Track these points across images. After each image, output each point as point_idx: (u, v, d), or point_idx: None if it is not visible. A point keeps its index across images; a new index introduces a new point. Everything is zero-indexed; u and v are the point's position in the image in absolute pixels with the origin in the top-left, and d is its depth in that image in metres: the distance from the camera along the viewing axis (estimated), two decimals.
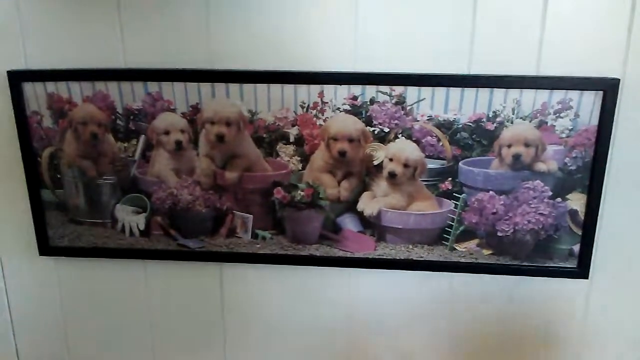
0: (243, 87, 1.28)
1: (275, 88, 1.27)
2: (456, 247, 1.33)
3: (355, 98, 1.26)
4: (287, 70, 1.26)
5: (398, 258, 1.35)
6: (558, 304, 1.41)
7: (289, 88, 1.27)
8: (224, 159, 1.33)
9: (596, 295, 1.39)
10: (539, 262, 1.33)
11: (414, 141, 1.27)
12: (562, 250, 1.32)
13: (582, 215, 1.29)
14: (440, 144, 1.26)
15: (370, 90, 1.25)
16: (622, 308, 1.41)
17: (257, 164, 1.32)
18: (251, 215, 1.36)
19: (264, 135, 1.30)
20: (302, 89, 1.27)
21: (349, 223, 1.34)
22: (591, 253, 1.33)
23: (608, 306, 1.41)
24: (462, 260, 1.34)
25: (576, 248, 1.31)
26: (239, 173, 1.33)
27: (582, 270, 1.34)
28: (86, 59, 1.33)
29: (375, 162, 1.29)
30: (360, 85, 1.25)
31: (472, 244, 1.34)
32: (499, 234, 1.30)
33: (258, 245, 1.39)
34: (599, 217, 1.30)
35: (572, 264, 1.33)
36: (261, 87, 1.27)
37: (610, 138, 1.24)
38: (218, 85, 1.28)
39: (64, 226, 1.45)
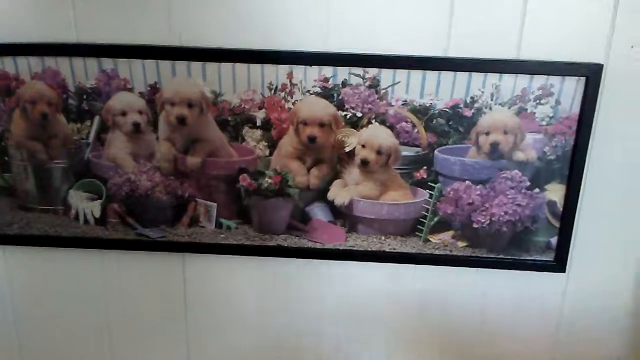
0: (206, 66, 1.21)
1: (241, 68, 1.21)
2: (430, 239, 1.30)
3: (326, 80, 1.21)
4: (253, 48, 1.19)
5: (370, 250, 1.31)
6: (534, 298, 1.39)
7: (255, 68, 1.21)
8: (185, 143, 1.27)
9: (573, 289, 1.38)
10: (516, 255, 1.31)
11: (388, 127, 1.22)
12: (539, 242, 1.29)
13: (560, 207, 1.26)
14: (416, 130, 1.22)
15: (343, 72, 1.20)
16: (600, 303, 1.39)
17: (221, 148, 1.26)
18: (215, 204, 1.31)
19: (229, 119, 1.24)
20: (270, 69, 1.20)
21: (318, 213, 1.30)
22: (569, 246, 1.31)
23: (585, 301, 1.39)
24: (437, 252, 1.31)
25: (554, 241, 1.29)
26: (202, 158, 1.27)
27: (559, 264, 1.32)
28: (35, 33, 1.24)
29: (347, 149, 1.25)
30: (331, 67, 1.19)
31: (447, 236, 1.31)
32: (475, 225, 1.27)
33: (222, 235, 1.33)
34: (577, 210, 1.28)
35: (549, 257, 1.31)
36: (226, 67, 1.21)
37: (591, 127, 1.21)
38: (179, 64, 1.21)
39: (12, 213, 1.37)
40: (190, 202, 1.31)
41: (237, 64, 1.21)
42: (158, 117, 1.25)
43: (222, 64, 1.21)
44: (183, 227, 1.34)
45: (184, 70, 1.22)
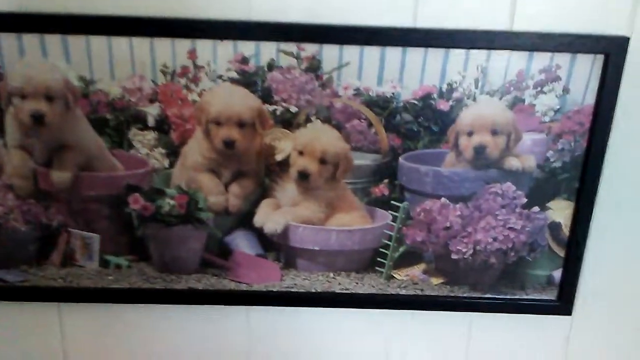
0: (68, 40, 0.94)
1: (120, 43, 0.95)
2: (395, 275, 1.12)
3: (245, 61, 0.97)
4: (138, 15, 0.94)
5: (314, 291, 1.12)
6: (531, 349, 1.23)
7: (142, 43, 0.95)
8: (47, 151, 1.02)
9: (580, 336, 1.21)
10: (507, 294, 1.13)
11: (335, 126, 1.02)
12: (539, 277, 1.13)
13: (566, 231, 1.09)
14: (373, 130, 1.02)
15: (269, 50, 0.97)
16: (613, 354, 1.23)
17: (99, 158, 1.03)
18: (96, 235, 1.07)
19: (108, 116, 1.00)
20: (163, 45, 0.96)
21: (243, 244, 1.10)
22: (577, 282, 1.13)
23: (594, 351, 1.23)
24: (403, 292, 1.12)
25: (557, 274, 1.12)
26: (72, 172, 1.03)
27: (563, 305, 1.14)
28: None
29: (279, 157, 1.05)
30: (252, 42, 0.96)
31: (416, 271, 1.12)
32: (454, 256, 1.08)
33: (110, 277, 1.10)
34: (589, 234, 1.09)
35: (551, 295, 1.14)
36: (97, 42, 0.95)
37: (610, 124, 1.00)
38: (28, 38, 0.94)
39: None
40: (61, 233, 1.07)
41: (115, 37, 0.95)
42: (4, 116, 0.99)
43: (92, 37, 0.95)
44: (54, 268, 1.09)
45: (36, 46, 0.95)
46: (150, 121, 1.00)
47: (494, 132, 1.01)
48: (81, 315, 1.17)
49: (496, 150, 1.02)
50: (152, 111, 1.00)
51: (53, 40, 0.94)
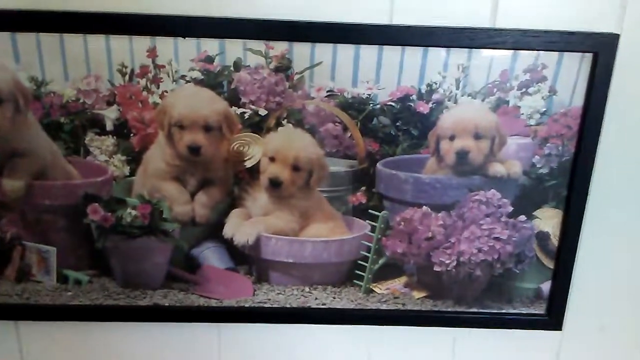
0: (17, 38, 0.89)
1: (74, 40, 0.91)
2: (375, 289, 1.09)
3: (209, 60, 0.93)
4: (92, 10, 0.88)
5: (289, 306, 1.08)
6: None
7: (96, 41, 0.91)
8: None
9: (571, 353, 1.18)
10: (493, 308, 1.10)
11: (307, 130, 0.99)
12: (526, 290, 1.10)
13: (555, 241, 1.06)
14: (348, 134, 0.98)
15: (235, 48, 0.93)
16: None
17: (53, 166, 0.98)
18: (53, 248, 1.02)
19: (62, 120, 0.95)
20: (120, 42, 0.91)
21: (212, 257, 1.06)
22: (566, 295, 1.10)
23: None
24: (384, 307, 1.09)
25: (545, 287, 1.09)
26: (25, 181, 0.98)
27: (553, 319, 1.11)
28: None
29: (248, 164, 1.01)
30: (217, 39, 0.92)
31: (397, 284, 1.09)
32: (437, 268, 1.05)
33: (70, 294, 1.05)
34: (579, 243, 1.06)
35: (539, 309, 1.11)
36: (49, 39, 0.90)
37: (600, 126, 0.97)
38: None
39: None
40: (15, 246, 1.03)
41: (68, 35, 0.90)
42: None
43: (43, 35, 0.90)
44: (9, 283, 1.05)
45: None
46: (109, 125, 0.96)
47: (477, 136, 0.98)
48: (40, 334, 1.12)
49: (479, 156, 0.99)
50: (110, 114, 0.96)
51: (0, 38, 0.89)
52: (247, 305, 1.07)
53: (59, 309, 1.06)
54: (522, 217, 1.02)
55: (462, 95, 0.95)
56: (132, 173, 0.99)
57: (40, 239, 1.02)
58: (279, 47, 0.92)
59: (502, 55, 0.93)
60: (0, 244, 1.01)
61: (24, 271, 1.03)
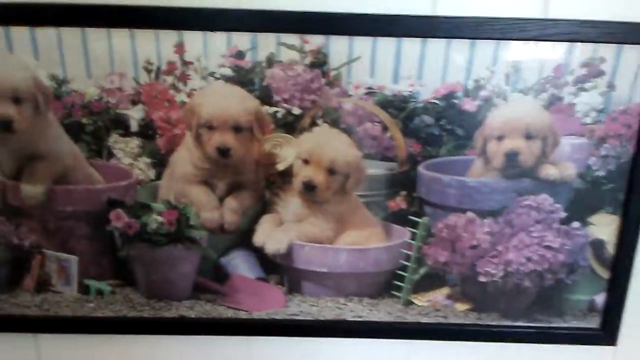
0: (37, 33, 0.88)
1: (97, 36, 0.89)
2: (415, 301, 1.07)
3: (240, 55, 0.91)
4: (116, 3, 0.87)
5: (322, 319, 1.06)
6: None
7: (121, 36, 0.89)
8: (15, 162, 0.96)
9: None
10: (542, 322, 1.07)
11: (344, 131, 0.97)
12: (579, 302, 1.07)
13: (610, 249, 1.03)
14: (388, 135, 0.97)
15: (268, 42, 0.91)
16: None
17: (75, 169, 0.97)
18: (74, 257, 1.01)
19: (85, 121, 0.95)
20: (146, 37, 0.89)
21: (241, 265, 1.05)
22: (622, 307, 1.06)
23: None
24: (424, 320, 1.07)
25: (600, 299, 1.06)
26: (46, 186, 0.97)
27: (607, 334, 1.08)
28: None
29: (281, 166, 1.00)
30: (248, 33, 0.90)
31: (439, 296, 1.07)
32: (482, 278, 1.03)
33: (91, 305, 1.04)
34: (636, 252, 1.02)
35: (592, 323, 1.07)
36: (70, 34, 0.88)
37: None
38: None
39: None
40: (34, 255, 1.02)
41: (90, 29, 0.88)
42: None
43: (65, 29, 0.88)
44: (28, 294, 1.04)
45: (0, 40, 0.89)
46: (133, 126, 0.96)
47: (528, 136, 0.95)
48: (60, 348, 1.11)
49: (530, 157, 0.96)
50: (134, 114, 0.95)
51: (20, 33, 0.88)
52: (278, 317, 1.05)
53: (80, 320, 1.05)
54: (576, 224, 1.00)
55: (512, 92, 0.93)
56: (158, 177, 0.98)
57: (61, 247, 1.02)
58: (315, 41, 0.90)
59: (556, 48, 0.90)
60: (19, 252, 1.00)
61: (43, 281, 1.03)
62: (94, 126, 0.95)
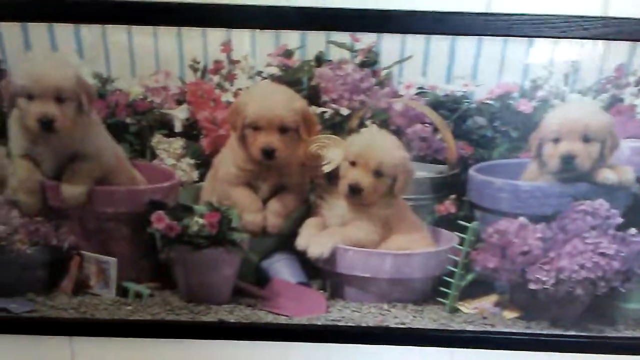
0: (81, 30, 0.88)
1: (143, 34, 0.89)
2: (461, 308, 1.04)
3: (288, 54, 0.91)
4: (162, 0, 0.87)
5: (365, 325, 1.04)
6: None
7: (167, 34, 0.89)
8: (57, 161, 0.96)
9: None
10: (594, 331, 1.04)
11: (393, 132, 0.96)
12: (633, 311, 1.03)
13: None
14: (439, 136, 0.96)
15: (317, 40, 0.91)
16: None
17: (117, 170, 0.98)
18: (114, 259, 1.01)
19: (128, 120, 0.95)
20: (193, 35, 0.89)
21: (283, 270, 1.04)
22: None
23: None
24: (470, 328, 1.04)
25: None
26: (87, 186, 0.97)
27: None
28: None
29: (327, 168, 0.99)
30: (297, 31, 0.90)
31: (486, 303, 1.04)
32: (532, 286, 0.99)
33: (129, 308, 1.03)
34: None
35: None
36: (116, 32, 0.89)
37: None
38: (34, 28, 0.88)
39: None
40: (73, 256, 1.01)
41: (136, 26, 0.88)
42: (7, 120, 0.94)
43: (110, 26, 0.88)
44: (65, 296, 1.03)
45: (44, 38, 0.89)
46: (177, 126, 0.95)
47: (586, 139, 0.93)
48: (96, 351, 1.10)
49: (587, 161, 0.94)
50: (179, 114, 0.95)
51: (63, 31, 0.88)
52: (319, 323, 1.03)
53: (117, 324, 1.03)
54: (633, 230, 0.97)
55: (571, 93, 0.91)
56: (201, 178, 0.98)
57: (100, 249, 1.01)
58: (366, 40, 0.89)
59: (617, 47, 0.88)
60: (58, 253, 1.00)
61: (81, 283, 1.03)
62: (138, 126, 0.95)
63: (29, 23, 0.88)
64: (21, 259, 1.00)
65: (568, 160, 0.94)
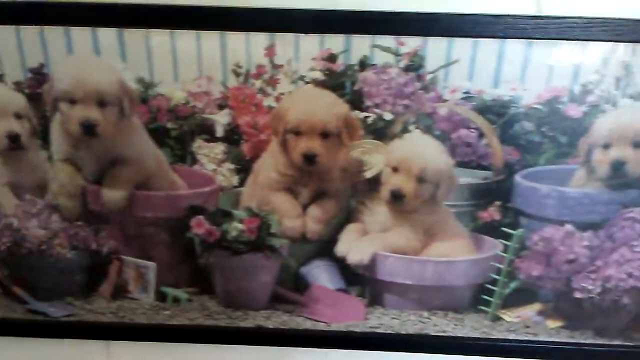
0: (124, 34, 0.88)
1: (186, 38, 0.89)
2: (503, 316, 1.02)
3: (332, 58, 0.90)
4: (206, 4, 0.86)
5: (404, 333, 1.02)
6: None
7: (211, 38, 0.89)
8: (98, 166, 0.97)
9: None
10: None
11: (437, 137, 0.95)
12: None
13: None
14: (484, 142, 0.93)
15: (361, 44, 0.89)
16: None
17: (158, 175, 0.98)
18: (153, 264, 1.01)
19: (170, 125, 0.94)
20: (236, 40, 0.89)
21: (322, 276, 1.03)
22: None
23: None
24: (512, 337, 1.02)
25: None
26: (127, 191, 0.97)
27: None
28: None
29: (369, 174, 0.98)
30: (341, 35, 0.88)
31: (530, 311, 1.02)
32: (577, 295, 0.97)
33: (167, 312, 1.03)
34: None
35: None
36: (158, 36, 0.89)
37: None
38: (77, 32, 0.88)
39: None
40: (112, 261, 1.02)
41: (178, 31, 0.88)
42: (50, 124, 0.95)
43: (153, 31, 0.88)
44: (103, 300, 1.04)
45: (87, 42, 0.88)
46: (219, 131, 0.94)
47: (637, 145, 0.91)
48: (132, 356, 1.10)
49: (638, 167, 0.92)
50: (221, 119, 0.94)
51: (106, 35, 0.88)
52: (357, 330, 1.02)
53: (155, 329, 1.03)
54: None
55: (623, 97, 0.89)
56: (241, 183, 0.97)
57: (139, 254, 1.01)
58: (411, 43, 0.87)
59: None
60: (97, 258, 1.00)
61: (120, 287, 1.02)
62: (179, 131, 0.94)
63: (72, 27, 0.86)
64: (60, 263, 1.00)
65: (618, 167, 0.91)
